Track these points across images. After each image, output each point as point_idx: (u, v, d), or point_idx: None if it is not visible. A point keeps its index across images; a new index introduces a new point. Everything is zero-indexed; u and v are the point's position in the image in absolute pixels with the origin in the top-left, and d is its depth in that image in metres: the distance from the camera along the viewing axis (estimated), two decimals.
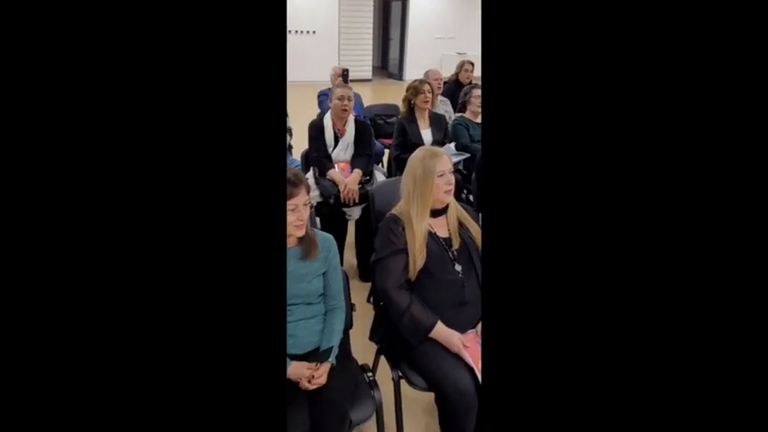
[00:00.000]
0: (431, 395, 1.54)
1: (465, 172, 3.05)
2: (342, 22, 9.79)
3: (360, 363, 1.62)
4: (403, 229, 1.57)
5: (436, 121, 3.11)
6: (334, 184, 2.63)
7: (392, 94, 6.93)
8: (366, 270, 2.65)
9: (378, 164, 3.49)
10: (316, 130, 2.78)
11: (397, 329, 1.55)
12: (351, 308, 1.65)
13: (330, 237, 1.57)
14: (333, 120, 2.77)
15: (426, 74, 3.73)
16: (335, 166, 2.73)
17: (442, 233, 1.63)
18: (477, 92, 3.19)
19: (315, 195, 2.57)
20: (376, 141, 3.32)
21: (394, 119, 3.70)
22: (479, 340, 1.54)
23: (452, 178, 1.60)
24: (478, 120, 3.16)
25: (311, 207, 1.95)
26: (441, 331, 1.52)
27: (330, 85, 3.70)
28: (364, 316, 1.85)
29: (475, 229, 1.66)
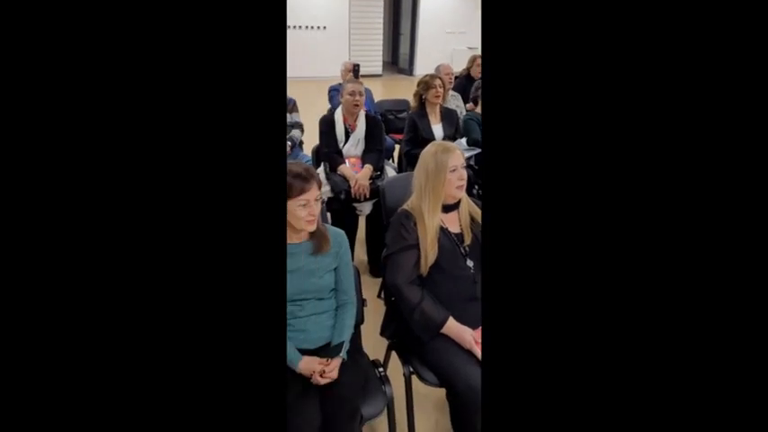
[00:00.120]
0: (442, 391, 1.53)
1: (476, 167, 3.03)
2: (352, 18, 9.78)
3: (371, 358, 1.62)
4: (414, 224, 1.57)
5: (447, 116, 3.09)
6: (345, 179, 2.62)
7: (402, 90, 6.91)
8: (377, 265, 2.65)
9: (388, 159, 3.48)
10: (326, 125, 2.78)
11: (408, 325, 1.55)
12: (362, 303, 1.65)
13: (342, 232, 1.57)
14: (344, 115, 2.77)
15: (438, 68, 3.71)
16: (346, 161, 2.72)
17: (454, 228, 1.62)
18: None
19: (325, 191, 2.57)
20: (386, 137, 3.31)
21: (404, 114, 3.69)
22: None
23: (465, 173, 1.59)
24: None
25: (322, 202, 1.95)
26: (452, 327, 1.51)
27: (341, 81, 3.69)
28: (375, 311, 1.84)
29: None
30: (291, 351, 1.40)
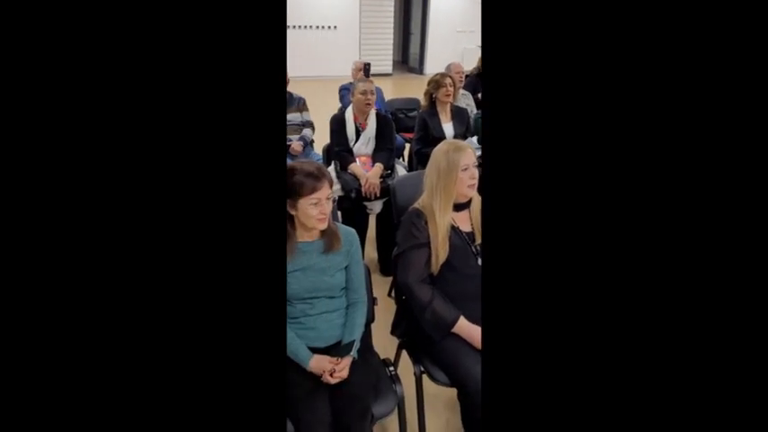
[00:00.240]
0: (453, 390, 1.53)
1: None
2: (363, 17, 9.78)
3: (381, 357, 1.62)
4: (426, 222, 1.56)
5: (458, 114, 3.08)
6: (356, 178, 2.63)
7: (413, 89, 6.90)
8: (387, 264, 2.65)
9: (399, 158, 3.48)
10: (337, 124, 2.79)
11: (418, 324, 1.54)
12: (372, 302, 1.65)
13: (353, 231, 1.56)
14: (354, 114, 2.77)
15: (448, 67, 3.69)
16: (357, 160, 2.73)
17: (465, 227, 1.61)
18: None
19: (336, 189, 2.57)
20: (397, 135, 3.31)
21: (415, 113, 3.68)
22: None
23: (476, 172, 1.58)
24: None
25: (333, 201, 1.95)
26: (463, 326, 1.50)
27: (351, 80, 3.69)
28: (386, 310, 1.84)
29: None
30: (302, 349, 1.40)
